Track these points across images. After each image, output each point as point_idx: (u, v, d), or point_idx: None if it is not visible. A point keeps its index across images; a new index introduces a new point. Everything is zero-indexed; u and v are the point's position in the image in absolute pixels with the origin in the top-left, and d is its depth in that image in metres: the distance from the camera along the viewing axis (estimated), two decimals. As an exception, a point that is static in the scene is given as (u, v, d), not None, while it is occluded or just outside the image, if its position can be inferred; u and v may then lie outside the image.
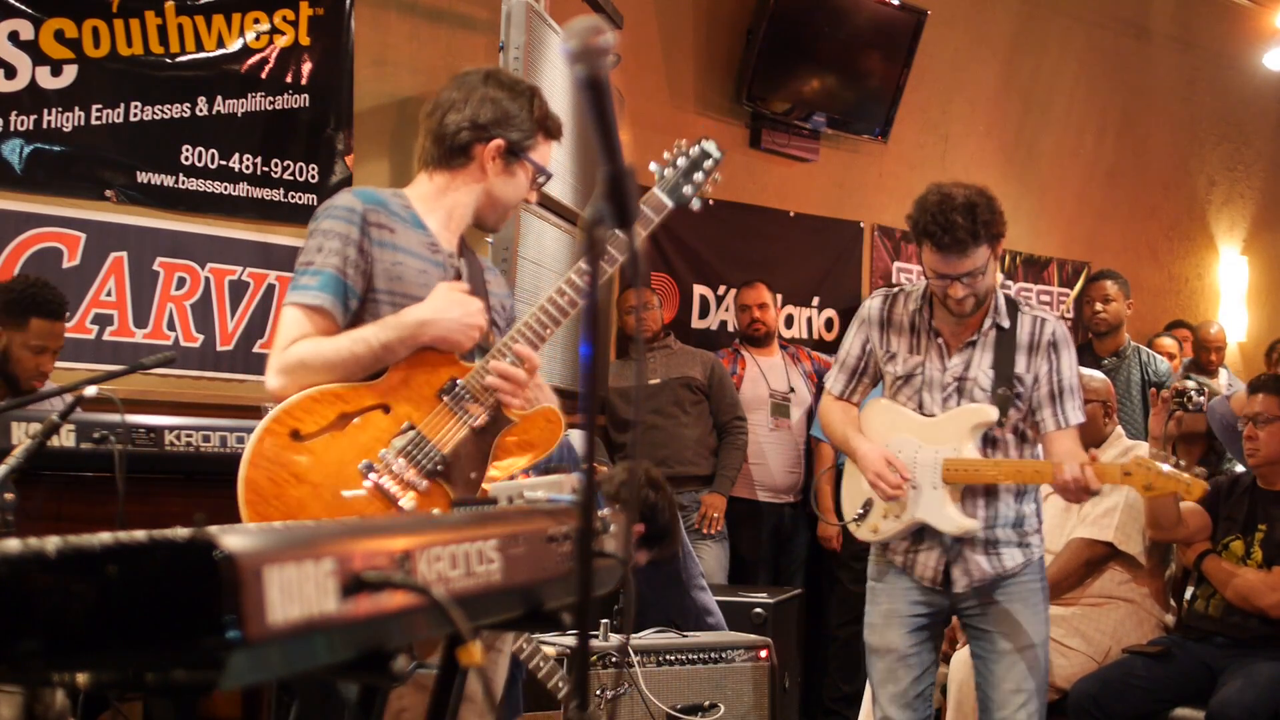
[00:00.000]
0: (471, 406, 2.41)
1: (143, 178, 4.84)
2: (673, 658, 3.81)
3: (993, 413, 3.21)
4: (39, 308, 3.95)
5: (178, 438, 3.28)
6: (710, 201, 2.92)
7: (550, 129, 2.55)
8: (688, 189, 2.67)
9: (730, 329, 6.52)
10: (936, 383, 3.28)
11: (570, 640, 3.58)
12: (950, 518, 3.22)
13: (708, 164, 2.69)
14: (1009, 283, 7.82)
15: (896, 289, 3.45)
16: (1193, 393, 4.13)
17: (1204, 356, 7.01)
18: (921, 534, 3.32)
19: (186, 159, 4.92)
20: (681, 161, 2.68)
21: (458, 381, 2.41)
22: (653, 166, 2.69)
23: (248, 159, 5.05)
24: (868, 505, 3.36)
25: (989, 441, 3.26)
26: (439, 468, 2.35)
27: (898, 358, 3.34)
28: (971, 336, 3.28)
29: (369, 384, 2.35)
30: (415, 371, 2.39)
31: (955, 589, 3.30)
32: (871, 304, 3.43)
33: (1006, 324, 3.27)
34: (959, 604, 3.34)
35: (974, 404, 3.24)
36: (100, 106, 4.74)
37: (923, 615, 3.35)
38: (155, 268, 4.88)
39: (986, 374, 3.25)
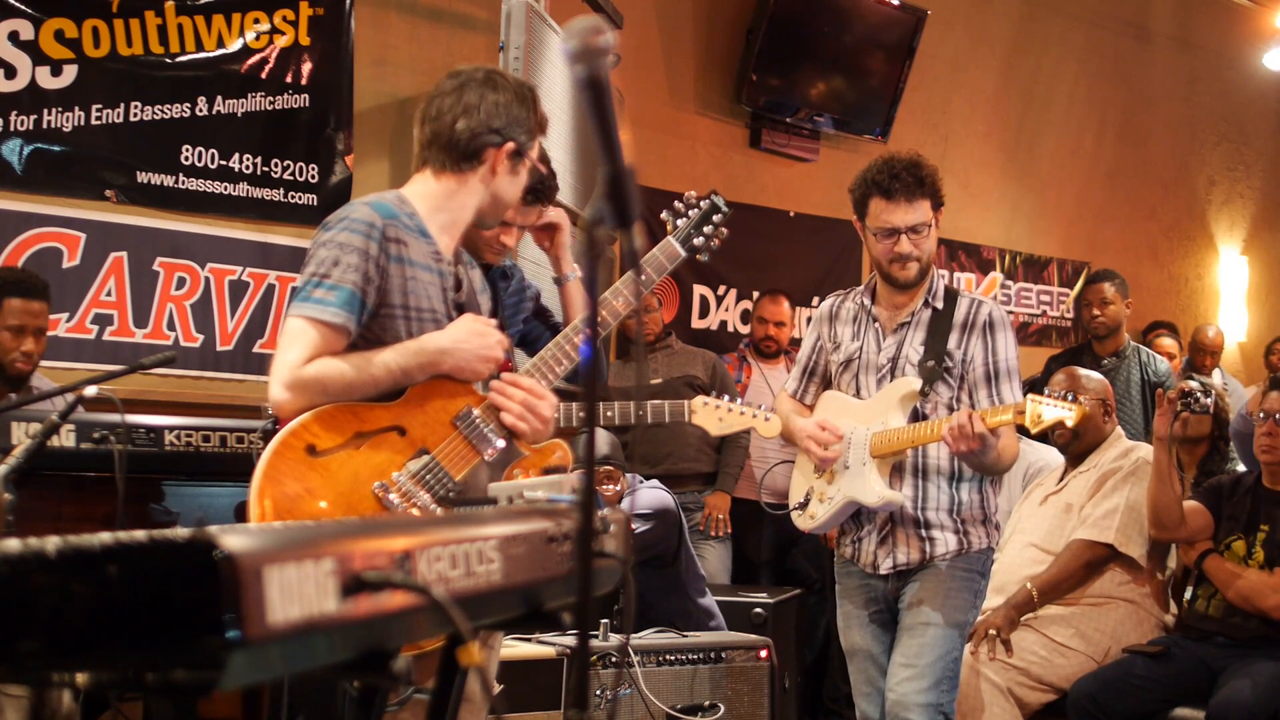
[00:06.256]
0: (485, 436, 2.42)
1: (143, 178, 4.84)
2: (673, 658, 3.81)
3: (915, 382, 3.23)
4: (14, 287, 3.98)
5: (178, 438, 3.28)
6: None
7: (544, 128, 2.60)
8: (699, 239, 2.83)
9: (730, 329, 6.52)
10: (872, 365, 3.34)
11: (570, 640, 3.58)
12: (873, 490, 3.23)
13: (717, 217, 2.86)
14: (1009, 283, 7.83)
15: (851, 289, 3.52)
16: (1199, 394, 4.12)
17: (1199, 359, 7.00)
18: (861, 518, 3.33)
19: (186, 159, 4.92)
20: (693, 213, 2.83)
21: (473, 410, 2.43)
22: (665, 215, 2.83)
23: (248, 159, 5.05)
24: (808, 495, 3.41)
25: (921, 420, 3.25)
26: (450, 494, 2.36)
27: (841, 347, 3.42)
28: (905, 318, 3.32)
29: (385, 405, 2.35)
30: (432, 397, 2.40)
31: (880, 570, 3.30)
32: (824, 303, 3.53)
33: (941, 306, 3.32)
34: (896, 589, 3.32)
35: (902, 378, 3.28)
36: (100, 106, 4.74)
37: (880, 611, 3.35)
38: (155, 268, 4.88)
39: (917, 350, 3.29)
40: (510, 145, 2.48)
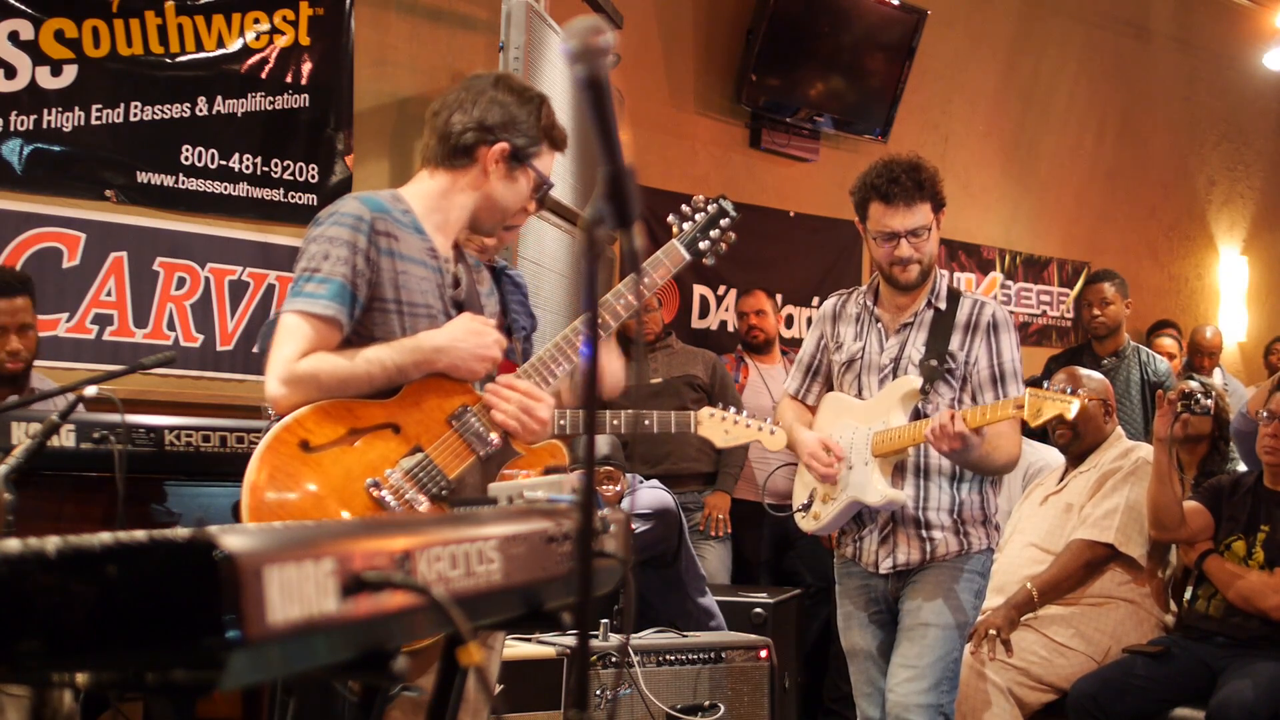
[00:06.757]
0: (480, 435, 2.42)
1: (143, 178, 4.84)
2: (673, 658, 3.81)
3: (916, 381, 3.23)
4: None
5: (178, 438, 3.28)
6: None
7: (555, 139, 2.53)
8: (704, 244, 2.80)
9: (730, 329, 6.52)
10: (874, 365, 3.34)
11: (570, 640, 3.58)
12: (876, 489, 3.23)
13: (724, 221, 2.82)
14: (1009, 283, 7.83)
15: (854, 289, 3.52)
16: (1199, 395, 4.12)
17: (1197, 360, 7.01)
18: (862, 518, 3.33)
19: (186, 159, 4.92)
20: (700, 217, 2.81)
21: (469, 409, 2.42)
22: (671, 219, 2.81)
23: (248, 159, 5.05)
24: (811, 497, 3.41)
25: (923, 420, 3.24)
26: (443, 492, 2.35)
27: (844, 347, 3.41)
28: (908, 319, 3.32)
29: (381, 402, 2.35)
30: (428, 395, 2.39)
31: (881, 570, 3.29)
32: (828, 302, 3.53)
33: (944, 306, 3.32)
34: (896, 589, 3.32)
35: (903, 377, 3.28)
36: (100, 106, 4.74)
37: (881, 611, 3.35)
38: (155, 268, 4.88)
39: (919, 351, 3.29)
40: (502, 146, 2.45)
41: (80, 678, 1.04)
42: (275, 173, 5.11)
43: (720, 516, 5.46)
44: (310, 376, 2.29)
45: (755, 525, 5.68)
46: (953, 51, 7.46)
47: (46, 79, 4.64)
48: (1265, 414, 4.22)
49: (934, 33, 7.01)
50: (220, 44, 4.98)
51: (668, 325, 5.90)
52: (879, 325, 3.36)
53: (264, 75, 5.07)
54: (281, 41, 5.11)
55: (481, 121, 2.45)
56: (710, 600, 4.44)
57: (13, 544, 1.03)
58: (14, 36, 4.59)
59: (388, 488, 2.30)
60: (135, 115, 4.81)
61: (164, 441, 3.26)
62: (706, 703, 3.84)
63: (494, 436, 2.43)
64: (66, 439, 3.14)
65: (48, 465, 3.03)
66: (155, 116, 4.85)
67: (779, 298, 6.65)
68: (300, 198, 5.15)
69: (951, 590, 3.24)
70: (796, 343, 6.56)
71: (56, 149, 4.68)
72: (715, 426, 3.35)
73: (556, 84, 4.78)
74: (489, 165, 2.46)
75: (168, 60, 4.88)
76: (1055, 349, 7.54)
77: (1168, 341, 6.90)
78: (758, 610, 4.51)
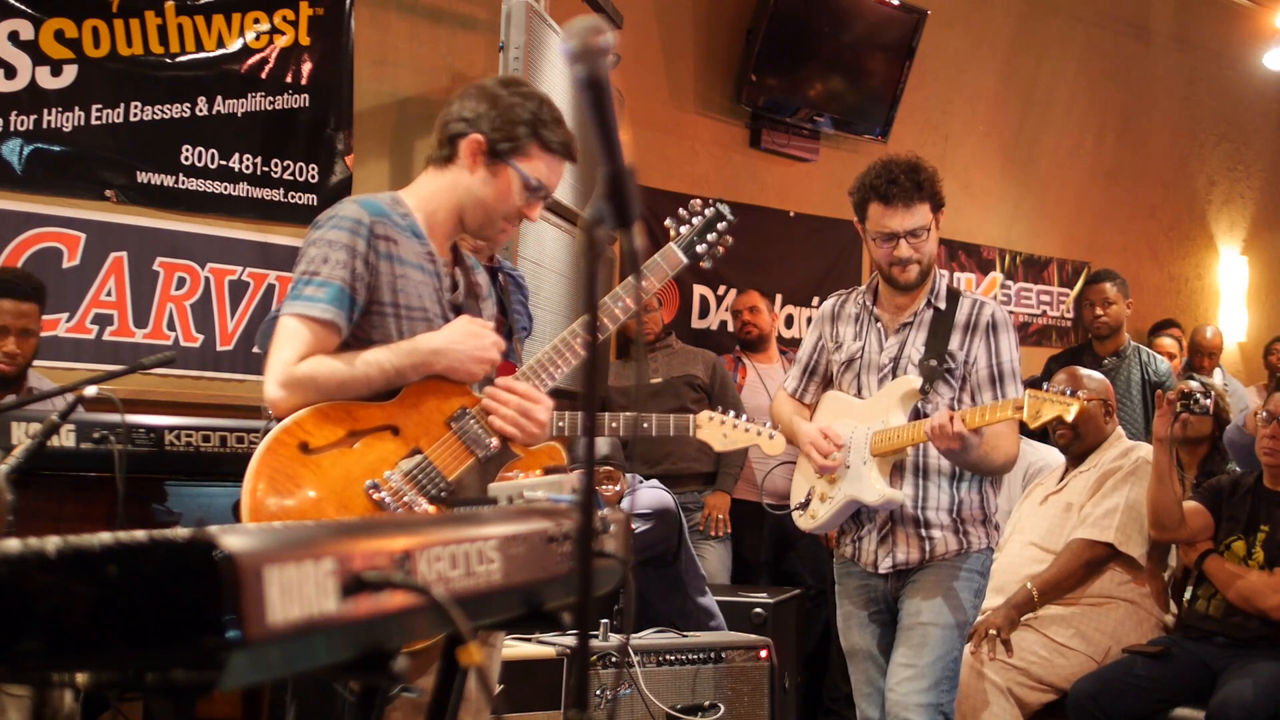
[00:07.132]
0: (479, 437, 2.42)
1: (143, 178, 4.84)
2: (673, 658, 3.81)
3: (915, 381, 3.23)
4: (3, 287, 3.91)
5: (178, 438, 3.28)
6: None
7: (547, 140, 2.44)
8: (701, 247, 2.81)
9: (730, 329, 6.53)
10: (874, 365, 3.34)
11: (570, 640, 3.58)
12: (874, 488, 3.23)
13: (721, 225, 2.83)
14: (1009, 283, 7.83)
15: (853, 289, 3.52)
16: (1199, 395, 4.12)
17: (1198, 360, 7.01)
18: (861, 518, 3.33)
19: (186, 159, 4.92)
20: (697, 220, 2.81)
21: (467, 411, 2.43)
22: (668, 222, 2.81)
23: (248, 159, 5.05)
24: (809, 495, 3.41)
25: (922, 419, 3.24)
26: (442, 494, 2.35)
27: (843, 346, 3.41)
28: (908, 319, 3.32)
29: (380, 404, 2.35)
30: (427, 397, 2.39)
31: (880, 570, 3.29)
32: (827, 302, 3.53)
33: (943, 306, 3.32)
34: (895, 589, 3.32)
35: (903, 376, 3.28)
36: (100, 106, 4.74)
37: (880, 611, 3.35)
38: (155, 268, 4.88)
39: (919, 350, 3.29)
40: (476, 137, 2.41)
41: (80, 678, 1.04)
42: (275, 173, 5.11)
43: (720, 516, 5.46)
44: (308, 379, 2.29)
45: (755, 525, 5.68)
46: (953, 51, 7.46)
47: (46, 79, 4.64)
48: (1265, 414, 4.22)
49: (934, 33, 7.01)
50: (220, 44, 4.98)
51: (668, 325, 5.90)
52: (878, 325, 3.36)
53: (264, 75, 5.07)
54: (281, 41, 5.11)
55: (461, 113, 2.44)
56: (710, 600, 4.44)
57: (13, 544, 1.03)
58: (14, 36, 4.59)
59: (387, 489, 2.30)
60: (135, 115, 4.82)
61: (164, 441, 3.26)
62: (706, 703, 3.84)
63: (493, 440, 2.43)
64: (66, 439, 3.15)
65: (48, 465, 3.04)
66: (155, 116, 4.86)
67: (779, 298, 6.65)
68: (300, 198, 5.15)
69: (951, 589, 3.23)
70: (796, 343, 6.55)
71: (56, 149, 4.68)
72: (714, 430, 3.35)
73: (557, 84, 4.78)
74: (466, 159, 2.44)
75: (168, 60, 4.88)
76: (1055, 349, 7.54)
77: (1168, 341, 6.90)
78: (758, 610, 4.51)
